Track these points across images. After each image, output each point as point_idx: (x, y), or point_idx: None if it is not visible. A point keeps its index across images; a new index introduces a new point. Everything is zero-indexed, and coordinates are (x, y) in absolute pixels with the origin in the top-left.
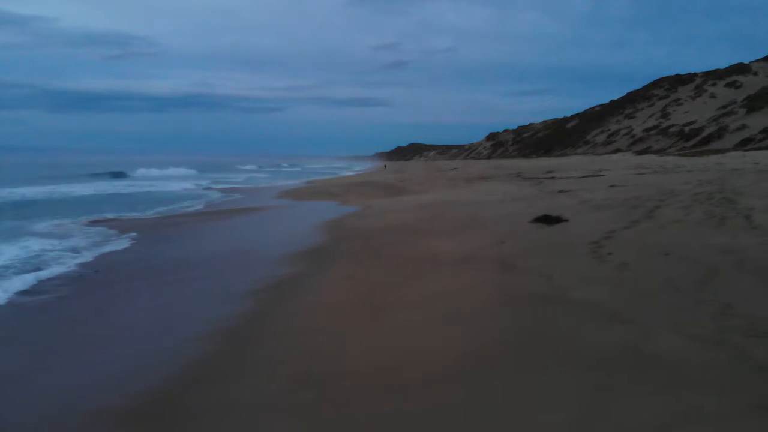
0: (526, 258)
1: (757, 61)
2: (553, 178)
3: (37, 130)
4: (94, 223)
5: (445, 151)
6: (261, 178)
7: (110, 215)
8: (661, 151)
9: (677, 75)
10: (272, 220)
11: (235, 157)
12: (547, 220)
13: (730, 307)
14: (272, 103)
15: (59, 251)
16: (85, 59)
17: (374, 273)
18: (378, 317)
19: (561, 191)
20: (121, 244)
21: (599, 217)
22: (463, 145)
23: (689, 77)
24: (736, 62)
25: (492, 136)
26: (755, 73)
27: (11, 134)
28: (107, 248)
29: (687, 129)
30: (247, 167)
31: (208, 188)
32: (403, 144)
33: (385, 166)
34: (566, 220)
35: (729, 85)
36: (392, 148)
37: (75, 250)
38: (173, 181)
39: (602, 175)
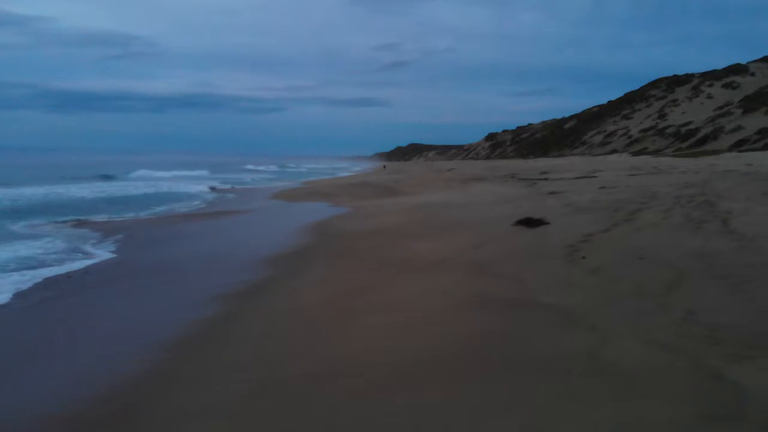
0: (502, 261)
1: (754, 61)
2: (546, 179)
3: (37, 130)
4: (79, 224)
5: (445, 151)
6: (269, 179)
7: (97, 217)
8: (657, 152)
9: (675, 76)
10: (259, 221)
11: (236, 157)
12: (529, 222)
13: (693, 313)
14: (272, 104)
15: (38, 254)
16: (85, 59)
17: (351, 276)
18: (346, 322)
19: (552, 193)
20: (101, 247)
21: (581, 219)
22: (462, 146)
23: (686, 78)
24: (734, 63)
25: (491, 137)
26: (752, 74)
27: (11, 134)
28: (86, 251)
29: (683, 130)
30: (260, 168)
31: (214, 188)
32: (403, 144)
33: (384, 166)
34: (547, 223)
35: (726, 85)
36: (392, 149)
37: (51, 253)
38: (178, 182)
39: (595, 177)
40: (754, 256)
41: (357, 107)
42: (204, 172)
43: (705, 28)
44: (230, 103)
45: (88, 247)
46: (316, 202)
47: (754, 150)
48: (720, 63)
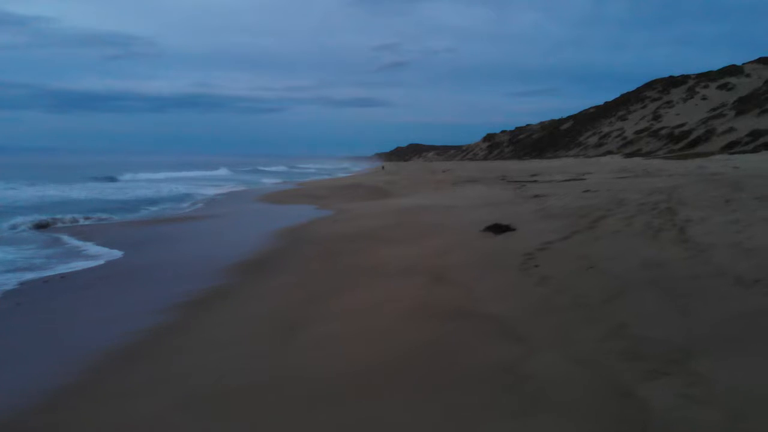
0: (461, 269)
1: (749, 63)
2: (535, 181)
3: (37, 130)
4: (39, 228)
5: (444, 151)
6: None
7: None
8: (649, 154)
9: (670, 77)
10: (237, 225)
11: (236, 157)
12: (497, 229)
13: (623, 326)
14: (272, 104)
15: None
16: (85, 59)
17: (316, 283)
18: (297, 331)
19: (535, 196)
20: (67, 252)
21: (546, 226)
22: (460, 146)
23: (682, 79)
24: (730, 64)
25: (488, 137)
26: (748, 75)
27: (11, 134)
28: (46, 256)
29: (677, 131)
30: (274, 168)
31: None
32: (403, 144)
33: (383, 167)
34: (514, 230)
35: (721, 87)
36: (392, 149)
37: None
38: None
39: (584, 179)
40: (702, 267)
41: (357, 107)
42: (225, 172)
43: (704, 29)
44: (230, 103)
45: (51, 252)
46: (303, 204)
47: (744, 152)
48: (719, 64)
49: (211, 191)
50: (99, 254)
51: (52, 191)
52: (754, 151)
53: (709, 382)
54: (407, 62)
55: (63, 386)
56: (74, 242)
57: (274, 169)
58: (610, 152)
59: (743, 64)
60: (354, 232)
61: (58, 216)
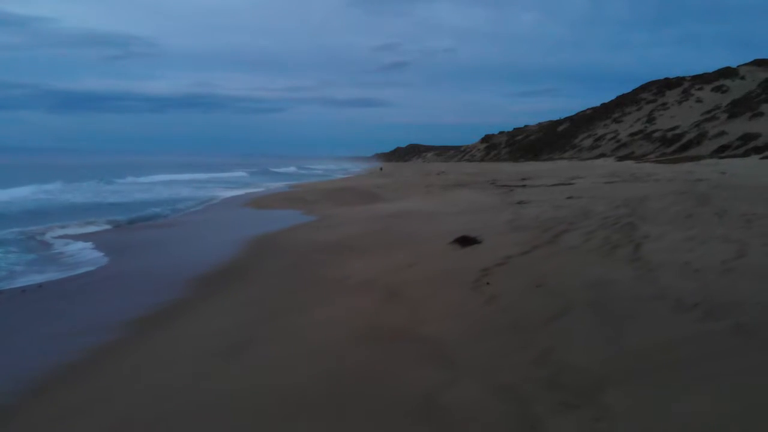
0: (417, 285)
1: (745, 65)
2: (524, 186)
3: (37, 131)
4: (29, 233)
5: (443, 151)
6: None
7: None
8: (642, 157)
9: (666, 79)
10: (209, 232)
11: (237, 158)
12: (463, 241)
13: (550, 352)
14: (272, 104)
15: None
16: (85, 59)
17: (275, 298)
18: (242, 352)
19: (519, 202)
20: (52, 258)
21: (512, 239)
22: (459, 147)
23: (677, 81)
24: (726, 66)
25: (486, 139)
26: (742, 77)
27: (11, 134)
28: (28, 263)
29: (669, 134)
30: (288, 170)
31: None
32: (402, 145)
33: (381, 168)
34: (480, 242)
35: (716, 89)
36: (391, 149)
37: None
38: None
39: (572, 184)
40: (646, 287)
41: (356, 107)
42: (242, 174)
43: (704, 29)
44: (230, 104)
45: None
46: (288, 209)
47: (734, 156)
48: (719, 64)
49: (229, 194)
50: (80, 262)
51: (48, 194)
52: (745, 155)
53: (614, 417)
54: (407, 62)
55: None
56: (62, 248)
57: (284, 170)
58: (603, 155)
59: (738, 66)
60: (329, 241)
61: (51, 224)
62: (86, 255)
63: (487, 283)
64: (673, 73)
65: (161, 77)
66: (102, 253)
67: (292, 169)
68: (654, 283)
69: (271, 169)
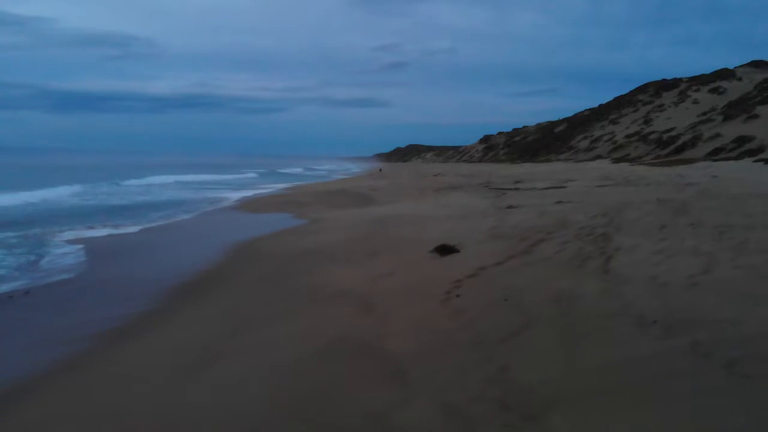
0: (390, 296)
1: (742, 66)
2: (518, 189)
3: (37, 131)
4: (26, 237)
5: (443, 152)
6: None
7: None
8: (637, 159)
9: (663, 80)
10: (197, 237)
11: (237, 157)
12: (443, 250)
13: (505, 370)
14: (272, 104)
15: None
16: (85, 59)
17: (248, 309)
18: (206, 368)
19: (509, 207)
20: (43, 263)
21: (488, 249)
22: (458, 147)
23: (674, 82)
24: (724, 67)
25: (485, 139)
26: (739, 79)
27: (11, 134)
28: (18, 267)
29: (665, 136)
30: (295, 170)
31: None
32: (402, 145)
33: (380, 169)
34: (458, 251)
35: (712, 90)
36: (391, 149)
37: None
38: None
39: (564, 187)
40: (610, 302)
41: (356, 108)
42: (253, 175)
43: (704, 29)
44: (230, 104)
45: None
46: (279, 213)
47: (728, 159)
48: (719, 64)
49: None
50: (67, 268)
51: (41, 196)
52: (738, 158)
53: None
54: (407, 63)
55: None
56: (55, 252)
57: (290, 171)
58: (599, 156)
59: (735, 67)
60: (316, 247)
61: (48, 228)
62: (68, 260)
63: (457, 296)
64: (673, 73)
65: (161, 77)
66: (87, 258)
67: (298, 170)
68: (619, 299)
69: (278, 170)
